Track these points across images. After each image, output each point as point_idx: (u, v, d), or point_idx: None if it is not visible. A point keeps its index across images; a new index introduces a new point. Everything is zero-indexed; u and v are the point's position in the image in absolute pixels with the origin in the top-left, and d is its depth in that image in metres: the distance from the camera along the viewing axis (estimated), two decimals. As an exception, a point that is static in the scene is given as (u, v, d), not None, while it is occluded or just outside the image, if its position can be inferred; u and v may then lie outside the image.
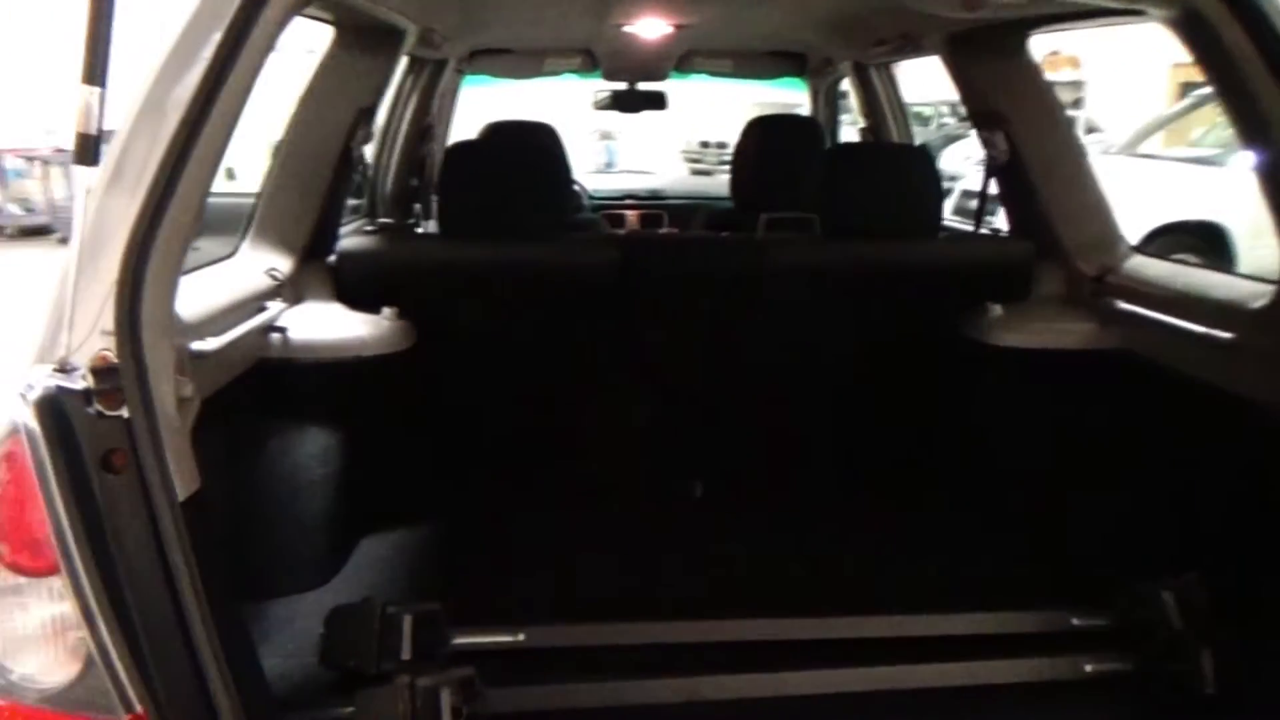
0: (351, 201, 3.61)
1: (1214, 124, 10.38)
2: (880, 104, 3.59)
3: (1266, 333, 1.74)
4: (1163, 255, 2.63)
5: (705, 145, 15.85)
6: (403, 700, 1.48)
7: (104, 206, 1.29)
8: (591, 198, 4.86)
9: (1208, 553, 1.85)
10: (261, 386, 2.05)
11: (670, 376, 2.54)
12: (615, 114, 5.01)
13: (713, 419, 2.58)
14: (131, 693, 1.22)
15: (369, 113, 2.41)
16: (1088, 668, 1.72)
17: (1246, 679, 1.58)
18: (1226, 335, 1.83)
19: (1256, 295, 1.82)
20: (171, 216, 1.30)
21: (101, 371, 1.24)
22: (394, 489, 2.36)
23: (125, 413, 1.25)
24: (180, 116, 1.30)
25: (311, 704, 1.59)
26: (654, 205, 4.78)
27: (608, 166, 8.99)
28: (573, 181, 4.39)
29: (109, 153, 1.34)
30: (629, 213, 4.69)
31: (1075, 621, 1.85)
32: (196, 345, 1.66)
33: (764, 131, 3.44)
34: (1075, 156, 2.47)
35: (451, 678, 1.53)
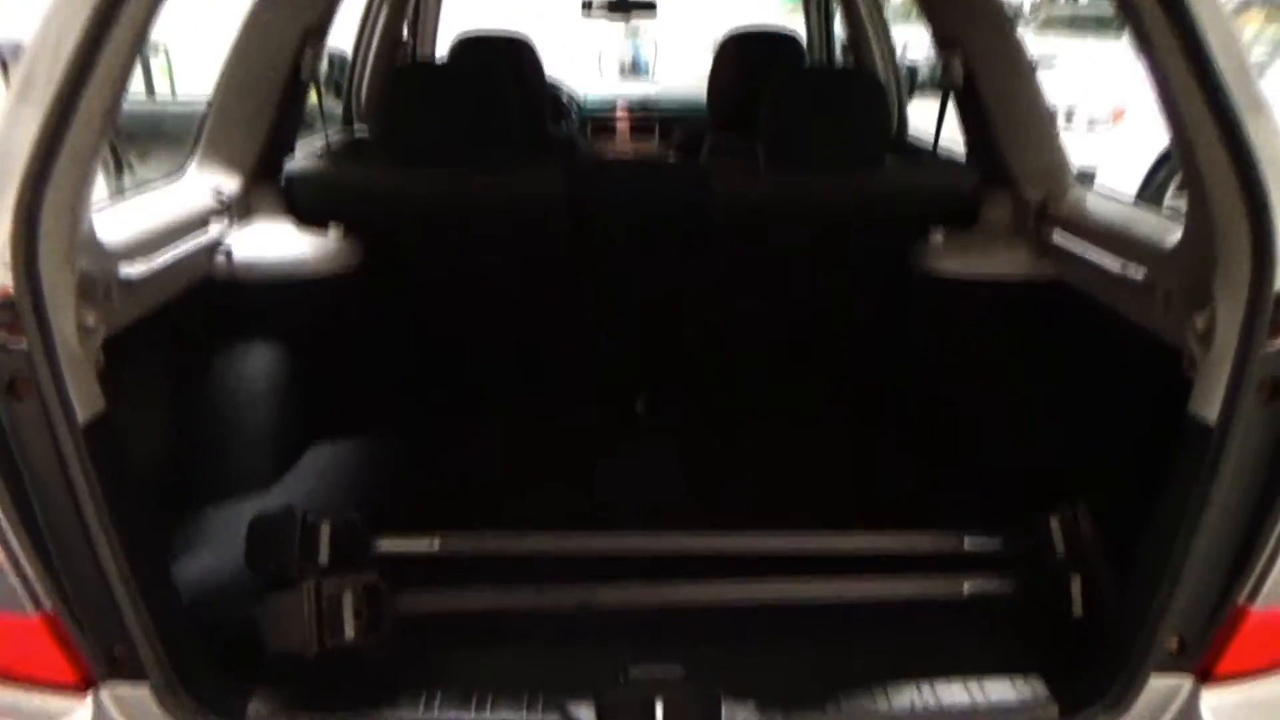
0: (338, 109, 3.64)
1: (1262, 27, 9.85)
2: (860, 18, 3.51)
3: (1173, 273, 1.75)
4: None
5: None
6: (307, 603, 1.61)
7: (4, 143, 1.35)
8: (583, 107, 4.83)
9: (1108, 483, 1.91)
10: (206, 304, 2.15)
11: (617, 298, 2.60)
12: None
13: (659, 341, 2.65)
14: (40, 593, 1.36)
15: (317, 33, 2.43)
16: (966, 588, 1.81)
17: (1114, 605, 1.65)
18: (1140, 273, 1.85)
19: (1170, 233, 1.83)
20: (69, 155, 1.35)
21: (3, 304, 1.34)
22: (339, 403, 2.47)
23: (25, 344, 1.35)
24: (75, 43, 1.33)
25: (227, 602, 1.73)
26: (645, 114, 4.74)
27: (634, 65, 8.79)
28: (551, 95, 4.37)
29: (10, 88, 1.40)
30: (619, 122, 4.68)
31: (967, 545, 1.93)
32: (125, 270, 1.75)
33: (740, 49, 3.39)
34: (1027, 84, 2.43)
35: (355, 582, 1.66)
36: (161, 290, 1.93)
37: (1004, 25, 2.45)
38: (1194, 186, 1.60)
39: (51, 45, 1.34)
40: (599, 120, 4.67)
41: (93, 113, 1.38)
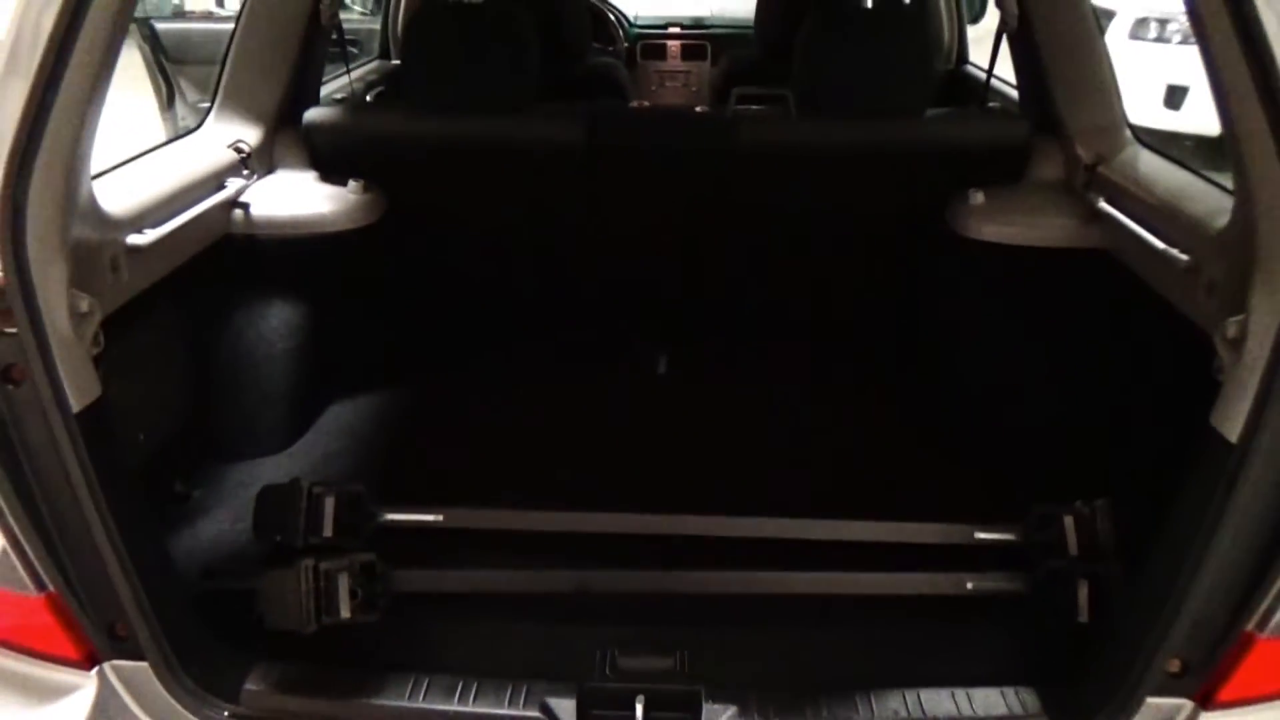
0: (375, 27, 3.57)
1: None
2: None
3: (1218, 259, 1.62)
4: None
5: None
6: (305, 581, 1.64)
7: None
8: (633, 25, 4.66)
9: (1132, 480, 1.82)
10: (227, 262, 2.16)
11: (639, 253, 2.54)
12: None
13: (681, 297, 2.58)
14: (43, 574, 1.41)
15: None
16: (970, 585, 1.76)
17: (1124, 610, 1.59)
18: (1185, 258, 1.72)
19: (1221, 214, 1.69)
20: (55, 133, 1.32)
21: None
22: (357, 361, 2.48)
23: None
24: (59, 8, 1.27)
25: (240, 570, 1.78)
26: (698, 34, 4.56)
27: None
28: (597, 15, 4.21)
29: None
30: (670, 43, 4.50)
31: (979, 536, 1.87)
32: (133, 239, 1.75)
33: None
34: (1087, 28, 2.24)
35: (352, 562, 1.68)
36: (176, 254, 1.94)
37: None
38: (1240, 175, 1.46)
39: (32, 24, 1.30)
40: (649, 41, 4.50)
41: (78, 91, 1.34)
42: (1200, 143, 6.28)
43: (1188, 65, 6.65)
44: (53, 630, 1.46)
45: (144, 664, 1.46)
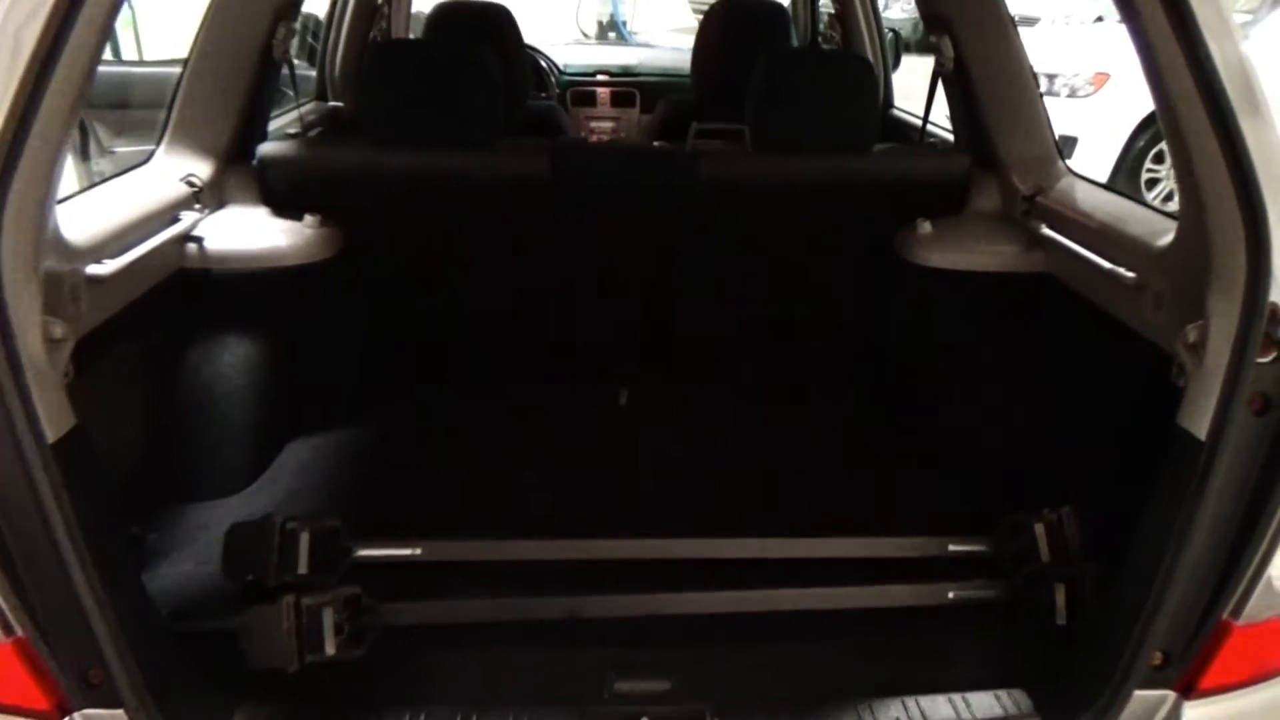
0: (313, 73, 3.54)
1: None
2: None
3: (1164, 274, 1.73)
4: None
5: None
6: (287, 618, 1.58)
7: None
8: (563, 73, 4.73)
9: (1096, 486, 1.90)
10: (181, 296, 2.09)
11: (601, 284, 2.56)
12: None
13: (644, 327, 2.61)
14: (11, 617, 1.32)
15: (290, 8, 2.34)
16: (951, 594, 1.81)
17: (1099, 611, 1.66)
18: (1131, 275, 1.83)
19: (1162, 234, 1.81)
20: (31, 160, 1.28)
21: None
22: (316, 397, 2.42)
23: None
24: (36, 38, 1.22)
25: (208, 613, 1.70)
26: (626, 82, 4.65)
27: (612, 20, 8.64)
28: (534, 60, 4.27)
29: None
30: (600, 90, 4.58)
31: (953, 548, 1.92)
32: (92, 269, 1.68)
33: (725, 18, 3.31)
34: (1019, 68, 2.38)
35: (336, 596, 1.63)
36: (132, 287, 1.87)
37: (997, 7, 2.39)
38: (1189, 193, 1.57)
39: (10, 40, 1.25)
40: (579, 88, 4.57)
41: (56, 112, 1.30)
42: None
43: (1075, 117, 7.13)
44: (20, 679, 1.36)
45: (119, 712, 1.38)
